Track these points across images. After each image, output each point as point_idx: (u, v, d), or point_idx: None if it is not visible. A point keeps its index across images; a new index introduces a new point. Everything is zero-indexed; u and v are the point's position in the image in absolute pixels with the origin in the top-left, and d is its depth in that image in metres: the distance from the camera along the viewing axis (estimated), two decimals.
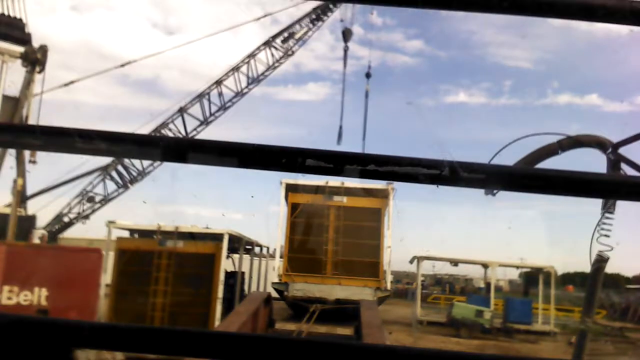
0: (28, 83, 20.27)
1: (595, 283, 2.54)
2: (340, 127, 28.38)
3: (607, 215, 2.27)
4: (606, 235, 2.32)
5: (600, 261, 2.40)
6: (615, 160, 2.17)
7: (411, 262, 30.90)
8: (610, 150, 2.21)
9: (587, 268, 2.46)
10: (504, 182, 1.05)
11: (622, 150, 2.19)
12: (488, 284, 33.72)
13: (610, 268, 2.47)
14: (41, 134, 1.04)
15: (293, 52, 27.45)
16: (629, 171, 2.18)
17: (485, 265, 33.10)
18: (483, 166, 1.04)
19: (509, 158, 2.50)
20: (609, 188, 1.12)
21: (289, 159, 1.07)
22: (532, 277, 36.58)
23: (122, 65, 26.23)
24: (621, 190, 1.10)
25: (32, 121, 20.11)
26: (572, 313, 35.53)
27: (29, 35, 20.68)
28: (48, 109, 22.23)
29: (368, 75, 28.56)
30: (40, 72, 20.69)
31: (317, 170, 1.07)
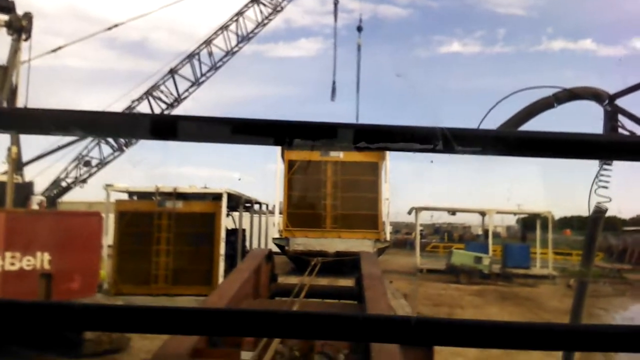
0: (15, 51, 19.97)
1: (594, 234, 2.55)
2: (334, 83, 28.09)
3: (604, 167, 2.25)
4: (604, 187, 2.31)
5: (599, 212, 2.40)
6: (612, 112, 2.14)
7: (409, 212, 31.21)
8: (607, 102, 2.17)
9: (584, 211, 2.46)
10: (500, 149, 1.02)
11: (619, 102, 2.16)
12: (486, 231, 34.07)
13: (607, 211, 2.46)
14: (17, 118, 1.00)
15: (282, 8, 26.84)
16: (626, 123, 2.15)
17: (482, 213, 33.40)
18: (477, 133, 1.02)
19: (505, 110, 2.46)
20: (608, 149, 1.09)
21: (279, 132, 1.04)
22: (530, 223, 36.98)
23: (109, 29, 25.70)
24: (620, 151, 1.08)
25: (21, 89, 19.93)
26: (570, 256, 36.09)
27: (12, 3, 20.24)
28: (37, 76, 21.95)
29: (359, 29, 28.11)
30: (26, 39, 20.36)
31: (309, 142, 1.04)
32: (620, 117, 2.17)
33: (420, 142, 1.00)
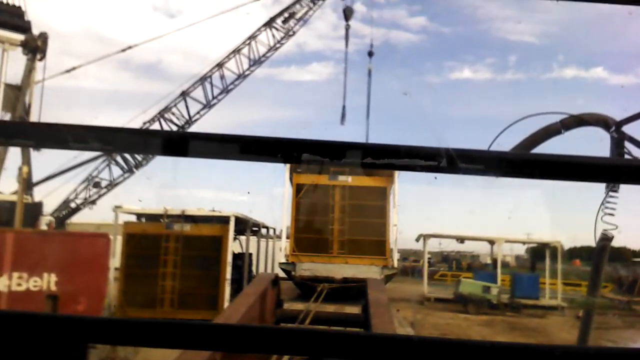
0: (29, 71, 20.24)
1: (600, 262, 2.54)
2: (344, 107, 28.16)
3: (611, 194, 2.25)
4: (611, 214, 2.30)
5: (605, 240, 2.39)
6: (619, 139, 2.14)
7: (417, 240, 31.08)
8: (613, 128, 2.18)
9: (593, 242, 2.45)
10: (504, 170, 1.04)
11: (626, 128, 2.17)
12: (495, 260, 33.81)
13: (616, 241, 2.45)
14: (34, 132, 1.03)
15: (294, 32, 27.21)
16: (632, 149, 2.16)
17: (491, 242, 33.18)
18: (482, 154, 1.03)
19: (514, 136, 2.48)
20: (612, 172, 1.10)
21: (287, 150, 1.06)
22: (539, 252, 36.67)
23: (123, 50, 26.10)
24: (624, 175, 1.09)
25: (34, 109, 20.16)
26: (580, 287, 35.65)
27: (28, 22, 20.58)
28: (51, 96, 22.25)
29: (370, 54, 28.35)
30: (41, 59, 20.62)
31: (316, 160, 1.06)
32: (627, 144, 2.17)
33: (425, 165, 1.02)
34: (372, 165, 1.02)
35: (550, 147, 2.43)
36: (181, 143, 1.07)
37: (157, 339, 1.05)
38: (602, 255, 2.48)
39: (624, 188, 2.32)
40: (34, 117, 19.99)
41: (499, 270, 31.26)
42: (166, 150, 1.06)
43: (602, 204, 2.28)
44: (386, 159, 1.02)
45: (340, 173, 23.54)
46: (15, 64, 20.19)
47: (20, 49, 20.20)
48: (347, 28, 27.72)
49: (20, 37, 20.10)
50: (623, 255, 47.29)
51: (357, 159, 1.04)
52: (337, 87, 29.36)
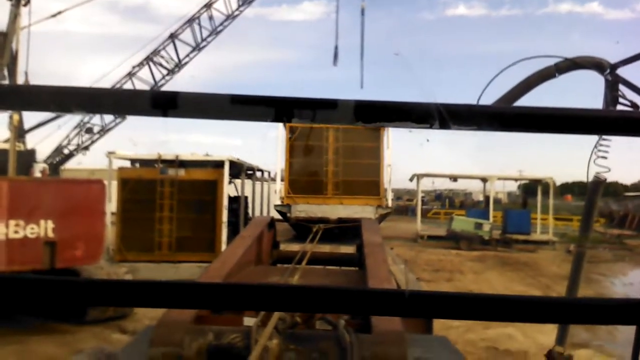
0: (14, 17, 19.66)
1: (592, 204, 2.56)
2: (336, 48, 27.52)
3: (604, 137, 2.25)
4: (603, 157, 2.31)
5: (597, 183, 2.41)
6: (613, 82, 2.13)
7: (411, 179, 31.29)
8: (608, 71, 2.16)
9: (586, 179, 2.46)
10: (496, 125, 1.03)
11: (620, 71, 2.14)
12: (487, 198, 34.18)
13: (609, 177, 2.46)
14: (17, 96, 1.01)
15: None
16: (626, 92, 2.14)
17: (484, 179, 33.44)
18: (473, 110, 1.02)
19: (509, 78, 2.45)
20: (605, 125, 1.10)
21: (278, 108, 1.04)
22: (531, 189, 37.07)
23: None
24: (617, 127, 1.08)
25: (22, 55, 19.72)
26: (571, 222, 36.26)
27: None
28: (38, 42, 21.73)
29: None
30: (25, 4, 20.01)
31: (308, 117, 1.05)
32: (622, 87, 2.16)
33: (416, 121, 1.01)
34: (364, 124, 1.01)
35: (544, 90, 2.41)
36: (171, 102, 1.05)
37: (151, 299, 1.06)
38: (594, 198, 2.51)
39: None
40: (21, 64, 19.59)
41: (491, 207, 31.66)
42: (154, 111, 1.04)
43: (595, 147, 2.29)
44: (378, 116, 1.01)
45: None
46: None
47: None
48: None
49: None
50: (615, 190, 47.90)
51: (349, 114, 1.03)
52: (330, 27, 28.49)
